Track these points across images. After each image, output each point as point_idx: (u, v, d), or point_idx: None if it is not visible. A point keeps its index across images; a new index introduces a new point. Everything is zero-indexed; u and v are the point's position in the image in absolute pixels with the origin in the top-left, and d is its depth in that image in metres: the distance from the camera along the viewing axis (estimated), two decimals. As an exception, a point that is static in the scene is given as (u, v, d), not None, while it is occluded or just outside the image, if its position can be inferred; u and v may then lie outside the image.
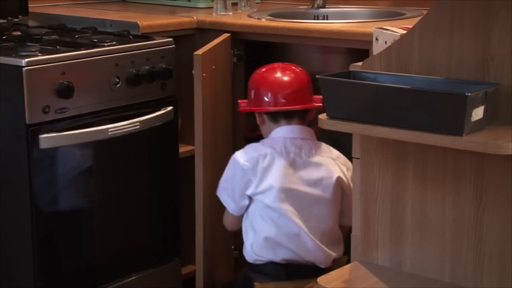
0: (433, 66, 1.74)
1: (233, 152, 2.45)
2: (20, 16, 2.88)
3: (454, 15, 1.68)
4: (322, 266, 2.34)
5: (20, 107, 2.30)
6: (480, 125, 1.58)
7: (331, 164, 2.35)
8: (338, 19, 2.97)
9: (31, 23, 2.94)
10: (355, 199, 1.90)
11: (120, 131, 2.50)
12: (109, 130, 2.47)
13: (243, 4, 3.09)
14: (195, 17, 2.90)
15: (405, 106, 1.64)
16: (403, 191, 1.80)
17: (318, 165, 2.34)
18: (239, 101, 2.53)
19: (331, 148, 2.40)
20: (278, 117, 2.42)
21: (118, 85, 2.53)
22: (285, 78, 2.43)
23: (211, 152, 2.52)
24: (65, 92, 2.36)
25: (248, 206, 2.38)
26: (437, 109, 1.58)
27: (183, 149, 2.85)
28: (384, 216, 1.85)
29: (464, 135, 1.55)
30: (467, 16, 1.67)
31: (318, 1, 3.15)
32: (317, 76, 1.80)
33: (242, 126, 2.65)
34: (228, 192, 2.40)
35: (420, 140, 1.62)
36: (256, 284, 2.34)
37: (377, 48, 2.12)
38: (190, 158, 2.86)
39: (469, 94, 1.53)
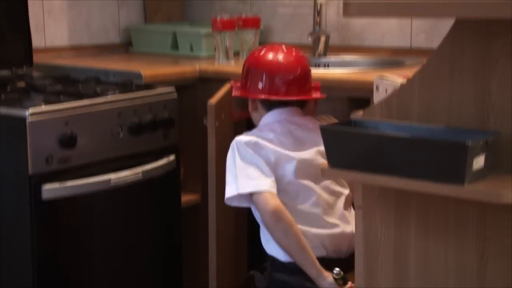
0: (434, 114, 1.73)
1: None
2: (24, 67, 2.91)
3: (453, 64, 1.69)
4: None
5: (22, 157, 2.31)
6: (481, 174, 1.58)
7: None
8: (339, 68, 2.99)
9: (35, 73, 2.97)
10: (357, 250, 1.89)
11: (122, 180, 2.50)
12: (112, 180, 2.47)
13: (245, 53, 3.11)
14: (197, 67, 2.92)
15: (406, 155, 1.63)
16: (405, 241, 1.79)
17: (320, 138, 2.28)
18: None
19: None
20: (274, 106, 2.33)
21: (121, 135, 2.54)
22: (286, 64, 2.31)
23: (221, 201, 2.50)
24: (68, 142, 2.37)
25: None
26: (438, 158, 1.58)
27: (185, 198, 2.85)
28: (387, 266, 1.83)
29: (465, 184, 1.55)
30: (466, 64, 1.67)
31: (319, 50, 3.18)
32: (320, 125, 1.81)
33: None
34: (251, 174, 2.16)
35: (421, 189, 1.61)
36: None
37: (377, 96, 2.12)
38: (193, 207, 2.86)
39: (470, 143, 1.53)
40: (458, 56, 1.68)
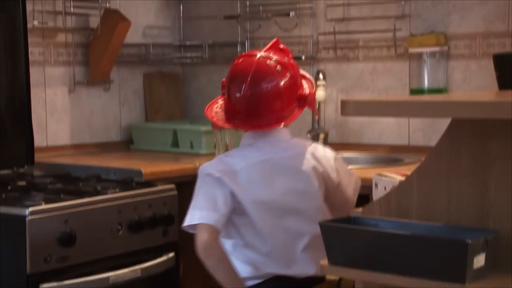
0: (433, 212, 1.73)
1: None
2: (25, 166, 2.92)
3: (451, 163, 1.69)
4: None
5: (21, 256, 2.29)
6: (482, 273, 1.56)
7: (308, 168, 2.14)
8: (338, 165, 3.00)
9: (36, 172, 2.98)
10: None
11: (121, 279, 2.48)
12: (110, 278, 2.45)
13: (245, 150, 3.14)
14: (197, 164, 2.94)
15: (406, 252, 1.62)
16: None
17: (295, 172, 2.13)
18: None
19: (306, 143, 2.21)
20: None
21: (120, 232, 2.53)
22: (261, 95, 2.09)
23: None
24: (67, 240, 2.36)
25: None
26: (438, 256, 1.57)
27: (185, 296, 2.82)
28: None
29: (466, 283, 1.53)
30: (463, 163, 1.68)
31: (318, 147, 3.20)
32: (318, 222, 1.81)
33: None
34: (204, 205, 2.06)
35: (422, 288, 1.60)
36: None
37: (376, 194, 2.13)
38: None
39: (470, 241, 1.53)
40: (455, 155, 1.68)
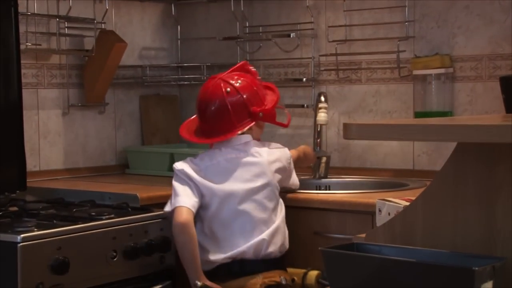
0: (438, 239, 1.70)
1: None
2: (17, 191, 2.90)
3: (457, 188, 1.66)
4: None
5: (13, 284, 2.25)
6: (490, 302, 1.52)
7: (264, 165, 2.56)
8: (341, 190, 2.96)
9: (28, 197, 2.95)
10: None
11: (116, 308, 2.43)
12: (105, 307, 2.40)
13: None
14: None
15: (411, 280, 1.58)
16: None
17: (252, 167, 2.55)
18: None
19: (264, 145, 2.63)
20: None
21: (115, 259, 2.49)
22: (213, 111, 2.60)
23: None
24: (60, 268, 2.32)
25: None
26: (444, 283, 1.53)
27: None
28: None
29: (474, 313, 1.48)
30: (469, 188, 1.64)
31: (320, 171, 3.15)
32: (319, 248, 1.76)
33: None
34: (180, 192, 2.50)
35: (427, 318, 1.54)
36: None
37: (380, 219, 2.10)
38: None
39: (476, 268, 1.48)
40: (461, 180, 1.65)
